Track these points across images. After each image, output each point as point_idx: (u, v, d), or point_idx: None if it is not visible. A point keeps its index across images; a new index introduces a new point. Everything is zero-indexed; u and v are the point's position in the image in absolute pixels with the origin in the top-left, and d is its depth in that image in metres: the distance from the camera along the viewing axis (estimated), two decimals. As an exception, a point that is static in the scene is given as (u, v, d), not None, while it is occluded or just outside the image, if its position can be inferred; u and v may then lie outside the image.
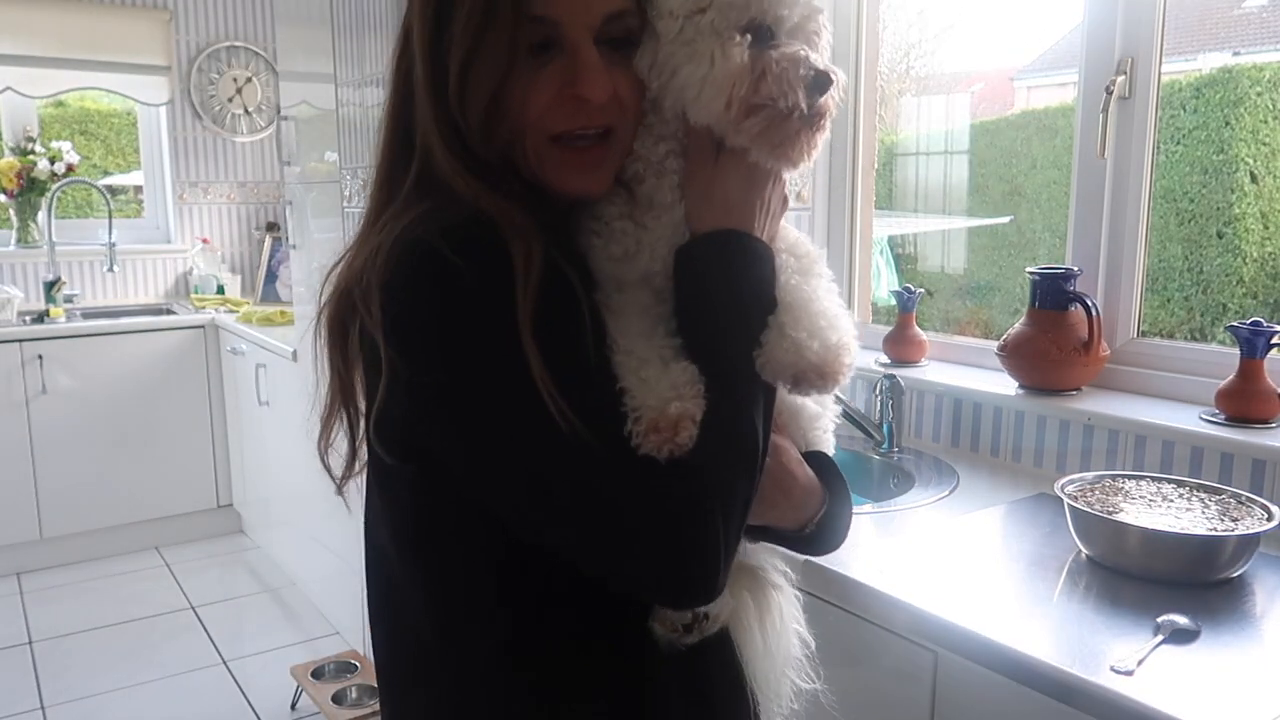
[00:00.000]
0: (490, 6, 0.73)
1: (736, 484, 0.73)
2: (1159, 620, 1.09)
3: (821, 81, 0.75)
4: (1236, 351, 1.51)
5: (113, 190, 4.25)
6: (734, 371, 0.75)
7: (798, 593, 0.96)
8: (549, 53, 0.75)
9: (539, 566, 0.77)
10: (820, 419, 0.91)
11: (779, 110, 0.74)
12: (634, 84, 0.78)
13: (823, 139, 0.78)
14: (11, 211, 4.01)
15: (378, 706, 1.11)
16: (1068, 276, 1.71)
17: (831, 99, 0.76)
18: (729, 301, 0.76)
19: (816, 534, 0.87)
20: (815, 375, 0.75)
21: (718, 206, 0.77)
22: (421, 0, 0.78)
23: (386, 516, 0.85)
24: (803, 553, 0.91)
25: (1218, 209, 2.39)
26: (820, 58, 0.77)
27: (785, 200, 0.83)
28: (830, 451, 0.91)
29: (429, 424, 0.75)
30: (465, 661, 0.81)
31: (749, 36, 0.75)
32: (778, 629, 0.91)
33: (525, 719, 0.81)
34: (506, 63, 0.74)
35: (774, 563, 0.95)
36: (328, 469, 0.86)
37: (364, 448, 0.83)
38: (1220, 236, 2.41)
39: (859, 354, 0.81)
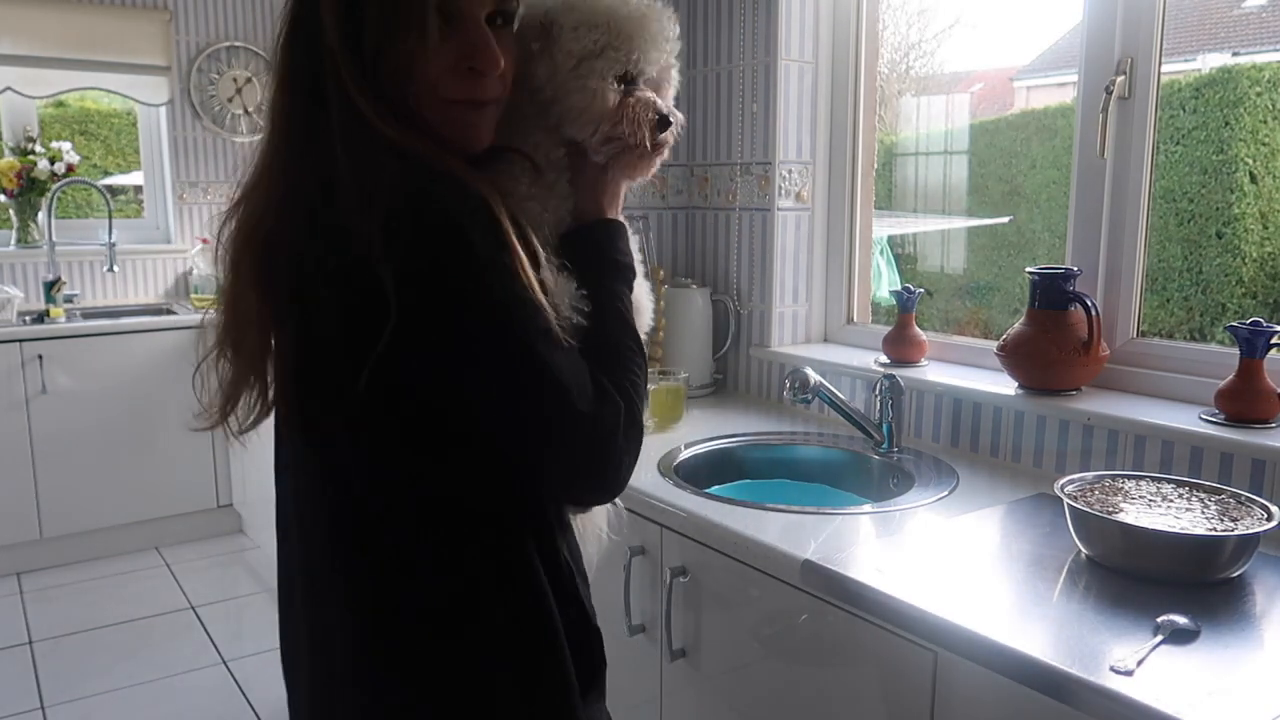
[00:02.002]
0: None
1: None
2: (1159, 620, 1.09)
3: (664, 123, 0.98)
4: (1236, 351, 1.51)
5: (113, 190, 4.25)
6: (624, 313, 0.98)
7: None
8: (449, 26, 0.88)
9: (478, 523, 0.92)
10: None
11: (628, 143, 0.97)
12: (511, 57, 0.93)
13: (661, 160, 1.03)
14: (11, 211, 4.01)
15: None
16: (1067, 276, 1.71)
17: (671, 134, 1.00)
18: (617, 265, 1.00)
19: None
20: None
21: (602, 201, 1.01)
22: None
23: (325, 501, 0.93)
24: None
25: (1217, 209, 2.39)
26: (667, 102, 1.00)
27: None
28: None
29: (452, 367, 0.84)
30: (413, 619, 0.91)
31: (621, 85, 0.96)
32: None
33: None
34: (419, 37, 0.86)
35: None
36: (232, 433, 0.99)
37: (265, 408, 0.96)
38: (1220, 237, 2.42)
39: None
